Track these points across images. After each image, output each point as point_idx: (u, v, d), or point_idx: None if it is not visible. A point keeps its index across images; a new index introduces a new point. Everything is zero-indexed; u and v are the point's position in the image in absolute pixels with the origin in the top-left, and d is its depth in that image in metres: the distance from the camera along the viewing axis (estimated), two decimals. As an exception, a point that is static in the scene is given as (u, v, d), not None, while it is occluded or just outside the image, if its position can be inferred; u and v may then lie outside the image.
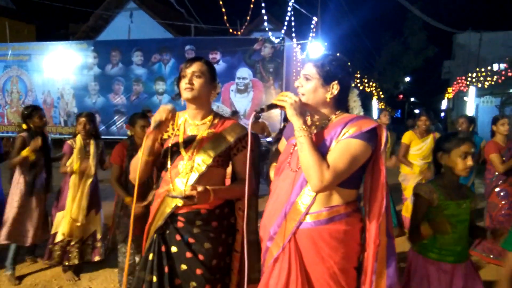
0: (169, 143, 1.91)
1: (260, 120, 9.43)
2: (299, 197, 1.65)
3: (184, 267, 1.82)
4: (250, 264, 1.99)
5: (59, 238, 3.61)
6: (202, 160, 1.85)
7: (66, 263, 3.63)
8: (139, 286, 1.84)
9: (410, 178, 4.81)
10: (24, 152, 3.58)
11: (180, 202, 1.78)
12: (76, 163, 3.66)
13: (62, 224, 3.61)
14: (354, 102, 6.67)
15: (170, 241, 1.85)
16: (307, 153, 1.54)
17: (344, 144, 1.57)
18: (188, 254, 1.83)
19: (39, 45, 12.70)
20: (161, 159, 1.95)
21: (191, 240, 1.86)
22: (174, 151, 1.90)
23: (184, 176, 1.86)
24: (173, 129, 1.95)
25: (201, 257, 1.84)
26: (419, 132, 4.77)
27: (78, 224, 3.61)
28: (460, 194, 2.18)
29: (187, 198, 1.72)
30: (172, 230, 1.86)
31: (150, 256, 1.85)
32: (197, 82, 1.87)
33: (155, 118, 1.77)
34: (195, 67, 1.88)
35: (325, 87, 1.67)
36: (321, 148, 1.59)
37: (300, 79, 1.72)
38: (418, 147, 4.75)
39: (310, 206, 1.62)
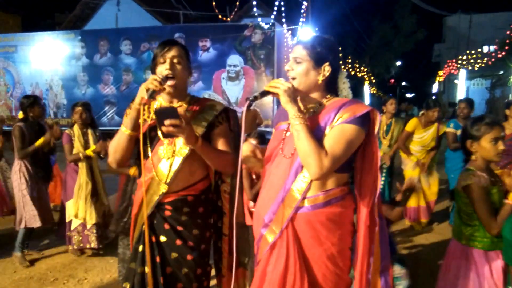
0: (145, 129, 1.80)
1: (252, 108, 9.38)
2: (294, 183, 1.63)
3: (174, 254, 1.82)
4: (239, 247, 2.01)
5: (74, 224, 3.85)
6: (184, 143, 1.79)
7: (88, 246, 3.89)
8: (131, 278, 1.82)
9: (407, 163, 4.85)
10: (39, 142, 3.78)
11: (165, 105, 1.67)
12: (83, 148, 3.85)
13: (75, 210, 3.83)
14: (343, 84, 6.63)
15: (158, 231, 1.83)
16: (305, 141, 1.53)
17: (339, 129, 1.57)
18: (178, 242, 1.82)
19: (25, 36, 12.45)
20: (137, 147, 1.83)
21: (179, 228, 1.84)
22: (153, 137, 1.82)
23: (167, 160, 1.81)
24: (149, 113, 1.86)
25: (190, 243, 1.84)
26: (423, 122, 4.74)
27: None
28: (494, 179, 2.10)
29: (173, 109, 1.59)
30: (160, 219, 1.83)
31: (140, 248, 1.82)
32: (177, 67, 1.81)
33: (147, 87, 1.65)
34: (174, 51, 1.81)
35: (316, 70, 1.65)
36: (315, 134, 1.58)
37: (290, 63, 1.68)
38: (420, 136, 4.74)
39: (307, 192, 1.61)
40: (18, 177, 3.83)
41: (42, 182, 4.02)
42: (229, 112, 1.96)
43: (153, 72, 1.86)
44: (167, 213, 1.84)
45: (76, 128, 3.90)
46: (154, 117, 1.68)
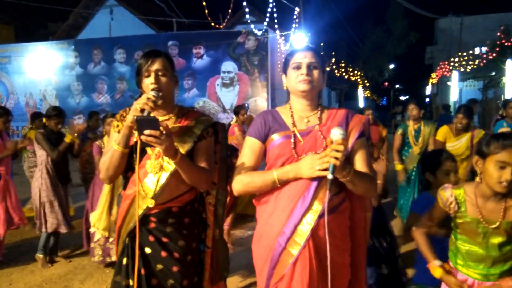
0: (133, 141, 1.76)
1: (248, 114, 9.41)
2: (317, 190, 1.64)
3: (160, 266, 1.80)
4: (221, 260, 2.02)
5: (97, 236, 3.83)
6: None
7: (108, 260, 3.84)
8: None
9: None
10: (67, 139, 3.93)
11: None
12: None
13: (98, 222, 3.78)
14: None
15: (143, 243, 1.81)
16: (363, 182, 1.68)
17: (363, 146, 1.77)
18: (163, 254, 1.81)
19: (18, 46, 12.45)
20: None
21: (164, 239, 1.81)
22: (140, 150, 1.77)
23: (154, 175, 1.79)
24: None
25: (176, 255, 1.82)
26: (455, 129, 4.40)
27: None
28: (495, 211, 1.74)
29: (155, 120, 1.57)
30: (144, 232, 1.81)
31: (124, 261, 1.81)
32: (162, 80, 1.79)
33: (142, 107, 1.63)
34: (158, 64, 1.78)
35: (323, 75, 1.78)
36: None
37: (304, 67, 1.73)
38: (452, 144, 4.39)
39: (328, 198, 1.60)
40: (39, 183, 3.94)
41: (61, 187, 4.11)
42: (217, 125, 1.96)
43: (139, 86, 1.85)
44: (152, 225, 1.82)
45: (106, 139, 3.91)
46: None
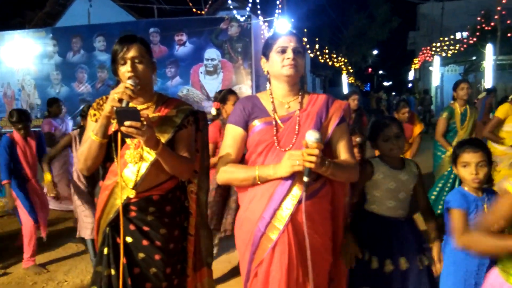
0: (111, 131, 1.72)
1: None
2: (296, 177, 1.63)
3: (141, 255, 1.78)
4: (203, 247, 2.02)
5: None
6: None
7: None
8: (98, 281, 1.78)
9: (501, 160, 4.06)
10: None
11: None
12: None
13: None
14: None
15: (124, 232, 1.77)
16: (344, 172, 1.71)
17: (344, 133, 1.79)
18: (145, 242, 1.78)
19: (-7, 35, 12.03)
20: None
21: (145, 228, 1.79)
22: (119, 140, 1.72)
23: (134, 165, 1.76)
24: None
25: (158, 243, 1.80)
26: None
27: None
28: None
29: (135, 111, 1.53)
30: (125, 221, 1.77)
31: (105, 250, 1.78)
32: (139, 68, 1.73)
33: (121, 96, 1.58)
34: (133, 51, 1.71)
35: (304, 59, 1.78)
36: (316, 125, 1.71)
37: (289, 52, 1.71)
38: None
39: (308, 182, 1.61)
40: (77, 186, 3.70)
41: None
42: (198, 114, 1.94)
43: (115, 74, 1.79)
44: (132, 214, 1.79)
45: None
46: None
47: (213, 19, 11.53)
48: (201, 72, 11.01)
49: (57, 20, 15.34)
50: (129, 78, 1.69)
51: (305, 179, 1.55)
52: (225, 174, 1.76)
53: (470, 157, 1.95)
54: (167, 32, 10.91)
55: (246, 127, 1.78)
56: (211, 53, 10.88)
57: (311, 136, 1.53)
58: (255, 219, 1.69)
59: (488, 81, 12.50)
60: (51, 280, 3.50)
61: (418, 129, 4.78)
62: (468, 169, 1.96)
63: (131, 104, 1.64)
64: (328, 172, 1.60)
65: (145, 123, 1.54)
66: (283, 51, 1.71)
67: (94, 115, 1.81)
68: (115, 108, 1.54)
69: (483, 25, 15.29)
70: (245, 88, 10.74)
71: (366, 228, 2.09)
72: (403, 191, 2.10)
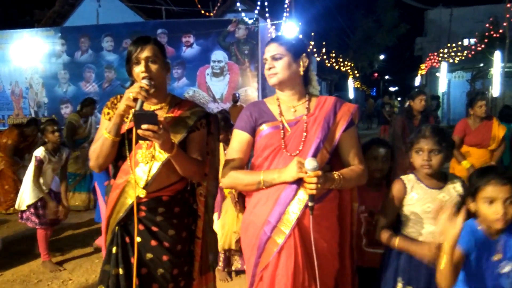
0: (124, 130, 1.74)
1: (238, 104, 9.37)
2: (302, 180, 1.62)
3: (149, 255, 1.78)
4: (211, 251, 2.02)
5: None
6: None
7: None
8: (105, 280, 1.77)
9: None
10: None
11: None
12: None
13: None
14: (313, 76, 6.87)
15: (133, 232, 1.77)
16: (351, 181, 1.73)
17: (355, 137, 1.79)
18: (153, 243, 1.79)
19: (3, 33, 12.13)
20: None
21: (154, 228, 1.80)
22: (131, 138, 1.72)
23: (145, 165, 1.77)
24: (129, 114, 1.74)
25: (166, 244, 1.80)
26: None
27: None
28: None
29: (153, 115, 1.53)
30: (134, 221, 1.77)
31: (114, 250, 1.78)
32: (153, 68, 1.74)
33: (136, 96, 1.59)
34: (147, 51, 1.73)
35: (296, 62, 1.74)
36: (323, 130, 1.71)
37: (268, 62, 1.74)
38: None
39: (312, 207, 1.61)
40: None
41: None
42: (210, 117, 1.95)
43: (129, 74, 1.80)
44: (142, 213, 1.79)
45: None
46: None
47: (220, 21, 11.57)
48: (207, 74, 11.03)
49: (66, 19, 15.44)
50: (143, 78, 1.70)
51: (310, 204, 1.59)
52: (229, 178, 1.77)
53: (497, 191, 1.56)
54: (174, 33, 10.95)
55: (252, 132, 1.79)
56: (218, 55, 10.90)
57: (308, 165, 1.55)
58: (260, 223, 1.69)
59: (495, 89, 12.39)
60: (56, 278, 3.51)
61: (501, 131, 4.09)
62: (494, 206, 1.55)
63: (144, 104, 1.65)
64: (334, 186, 1.66)
65: (161, 126, 1.55)
66: (265, 62, 1.77)
67: (108, 113, 1.83)
68: (133, 111, 1.56)
69: (492, 32, 15.21)
70: (251, 90, 10.75)
71: (404, 254, 1.87)
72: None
